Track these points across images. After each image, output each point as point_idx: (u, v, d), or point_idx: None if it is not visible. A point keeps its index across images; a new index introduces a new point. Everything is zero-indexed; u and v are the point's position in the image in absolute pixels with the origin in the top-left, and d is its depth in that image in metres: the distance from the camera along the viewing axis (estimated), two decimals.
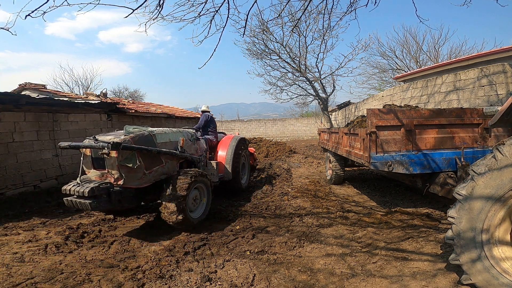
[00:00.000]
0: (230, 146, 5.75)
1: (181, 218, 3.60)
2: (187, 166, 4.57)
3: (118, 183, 3.51)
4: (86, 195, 3.18)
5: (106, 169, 3.51)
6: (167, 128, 4.52)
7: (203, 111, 6.10)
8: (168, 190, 3.66)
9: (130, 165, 3.50)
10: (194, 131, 5.16)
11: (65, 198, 3.37)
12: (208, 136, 5.74)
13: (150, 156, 3.73)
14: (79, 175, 3.49)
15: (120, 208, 3.78)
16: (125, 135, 3.58)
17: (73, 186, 3.33)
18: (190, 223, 3.78)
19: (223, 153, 5.64)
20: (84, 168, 3.69)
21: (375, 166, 4.03)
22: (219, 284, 2.55)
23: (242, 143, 6.21)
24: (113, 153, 3.38)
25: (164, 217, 3.67)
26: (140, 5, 3.01)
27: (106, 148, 3.24)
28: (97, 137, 3.45)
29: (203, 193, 4.19)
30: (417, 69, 14.72)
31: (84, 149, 3.56)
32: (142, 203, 4.27)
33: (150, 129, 4.07)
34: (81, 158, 3.61)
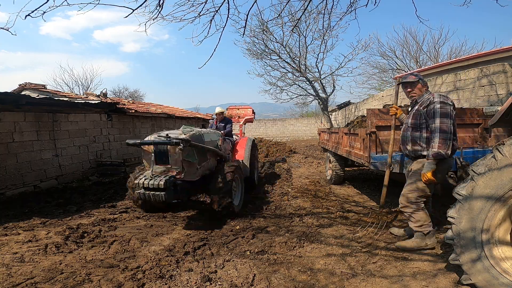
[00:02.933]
0: (247, 146, 6.13)
1: (228, 204, 4.00)
2: (220, 163, 4.88)
3: (179, 176, 3.81)
4: (162, 187, 3.51)
5: (170, 164, 3.80)
6: (208, 129, 5.20)
7: (220, 114, 6.30)
8: (217, 180, 4.02)
9: (190, 160, 3.87)
10: (221, 132, 5.56)
11: (137, 192, 3.73)
12: (231, 139, 6.18)
13: (201, 153, 4.09)
14: (151, 170, 3.87)
15: (179, 199, 4.09)
16: (184, 134, 3.88)
17: (146, 179, 3.65)
18: (233, 209, 4.19)
19: (242, 153, 6.00)
20: (145, 163, 4.07)
21: (375, 166, 4.02)
22: (219, 284, 2.55)
23: (254, 144, 6.69)
24: (177, 149, 3.69)
25: (214, 206, 4.00)
26: (140, 5, 3.01)
27: (181, 143, 3.52)
28: (158, 134, 3.86)
29: (238, 185, 4.61)
30: (417, 69, 14.71)
31: (146, 146, 3.85)
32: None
33: (198, 129, 4.44)
34: (142, 154, 4.04)
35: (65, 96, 9.06)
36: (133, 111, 9.62)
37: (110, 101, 9.43)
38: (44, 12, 2.71)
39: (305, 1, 4.05)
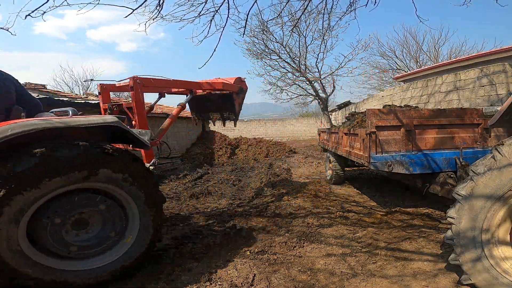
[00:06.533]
0: None
1: None
2: None
3: None
4: None
5: None
6: None
7: None
8: None
9: None
10: None
11: None
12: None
13: None
14: None
15: None
16: None
17: None
18: None
19: None
20: None
21: (375, 166, 4.02)
22: (219, 284, 2.55)
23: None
24: None
25: None
26: (140, 5, 3.01)
27: None
28: None
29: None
30: (417, 69, 14.72)
31: None
32: None
33: None
34: None
35: (65, 96, 9.06)
36: None
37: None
38: (44, 12, 2.72)
39: (305, 1, 4.05)
